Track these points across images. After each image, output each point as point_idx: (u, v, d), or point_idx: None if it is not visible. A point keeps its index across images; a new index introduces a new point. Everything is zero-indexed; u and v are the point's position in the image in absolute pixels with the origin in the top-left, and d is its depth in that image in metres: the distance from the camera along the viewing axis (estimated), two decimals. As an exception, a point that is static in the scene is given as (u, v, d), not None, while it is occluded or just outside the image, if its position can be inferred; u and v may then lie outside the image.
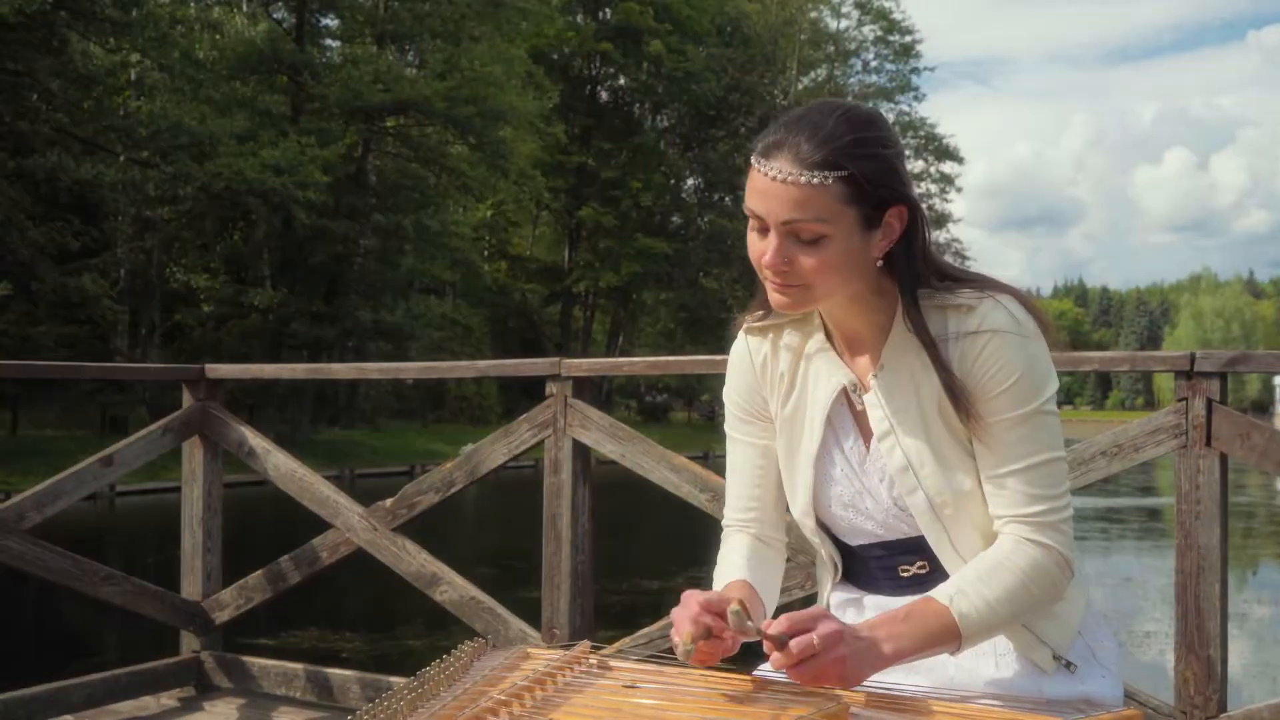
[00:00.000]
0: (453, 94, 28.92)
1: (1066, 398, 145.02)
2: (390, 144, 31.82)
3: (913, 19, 54.30)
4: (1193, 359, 2.75)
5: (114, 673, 3.96)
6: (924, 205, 1.54)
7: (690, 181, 48.61)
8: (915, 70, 52.76)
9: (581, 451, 3.54)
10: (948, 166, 53.52)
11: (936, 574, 1.54)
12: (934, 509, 1.50)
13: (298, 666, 4.06)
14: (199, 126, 24.87)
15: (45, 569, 3.72)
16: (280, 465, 4.08)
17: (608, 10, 42.96)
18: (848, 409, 1.57)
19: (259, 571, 4.11)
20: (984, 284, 1.51)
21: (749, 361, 1.65)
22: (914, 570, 1.55)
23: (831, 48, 51.79)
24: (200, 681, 4.15)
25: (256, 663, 4.11)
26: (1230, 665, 2.83)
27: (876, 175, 1.44)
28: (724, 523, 1.70)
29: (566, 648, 1.45)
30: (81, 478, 3.85)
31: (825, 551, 1.65)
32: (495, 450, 3.67)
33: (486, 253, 43.48)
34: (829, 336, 1.58)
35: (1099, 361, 2.91)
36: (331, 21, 32.65)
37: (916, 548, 1.54)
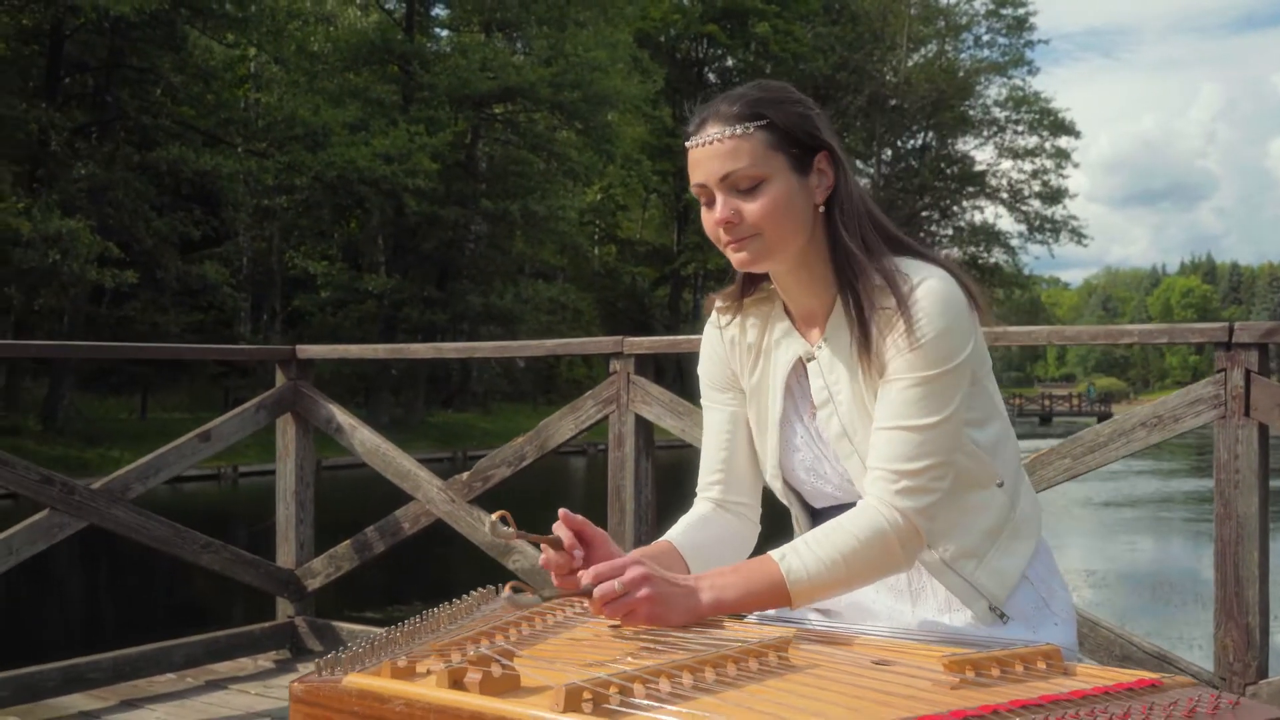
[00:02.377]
0: (558, 80, 29.23)
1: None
2: (498, 131, 32.26)
3: (1027, -9, 52.92)
4: (1230, 330, 2.79)
5: (213, 635, 4.22)
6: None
7: (799, 162, 48.23)
8: (1029, 44, 51.66)
9: (644, 426, 3.69)
10: (1064, 141, 52.31)
11: None
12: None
13: (383, 632, 4.28)
14: (313, 117, 25.55)
15: (148, 537, 3.99)
16: (365, 440, 4.30)
17: (714, -9, 42.90)
18: (806, 379, 1.68)
19: (346, 541, 4.34)
20: (924, 256, 1.59)
21: (719, 338, 1.77)
22: None
23: (942, 22, 50.96)
24: (294, 645, 4.39)
25: (346, 627, 4.34)
26: (1271, 633, 2.86)
27: (794, 121, 1.57)
28: (697, 489, 1.79)
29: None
30: (182, 451, 4.12)
31: (794, 512, 1.76)
32: (563, 425, 3.84)
33: (596, 236, 43.83)
34: (789, 314, 1.69)
35: (1138, 334, 2.96)
36: (441, 11, 33.25)
37: None
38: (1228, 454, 2.81)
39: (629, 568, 1.42)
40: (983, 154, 56.31)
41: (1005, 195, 52.11)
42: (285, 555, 4.47)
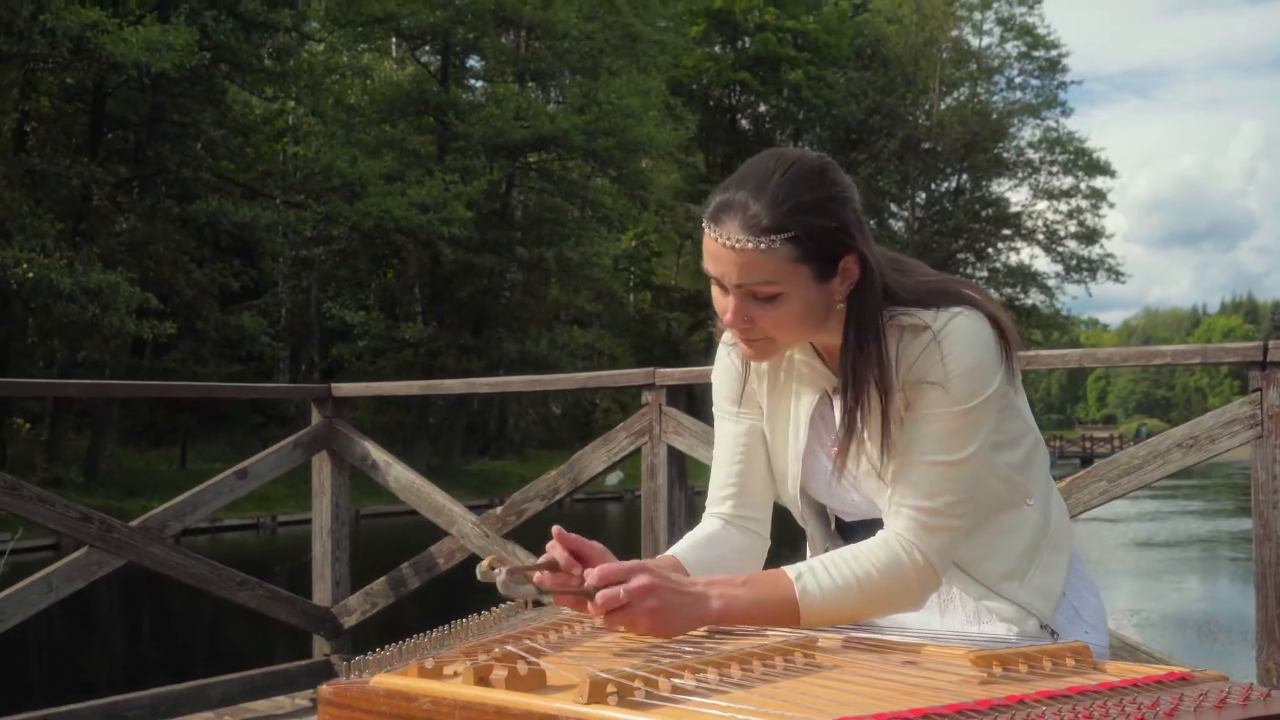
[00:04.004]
0: (591, 127, 29.44)
1: None
2: (533, 179, 32.52)
3: (1058, 33, 53.15)
4: (1265, 349, 2.77)
5: (250, 673, 4.24)
6: (875, 255, 1.55)
7: (832, 206, 48.23)
8: (1061, 85, 51.64)
9: (676, 457, 3.69)
10: (1100, 181, 52.11)
11: None
12: None
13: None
14: (350, 169, 25.86)
15: (186, 574, 4.02)
16: (400, 477, 4.32)
17: (745, 40, 43.19)
18: (831, 408, 1.64)
19: (382, 578, 4.36)
20: (943, 301, 1.54)
21: (734, 358, 1.72)
22: None
23: (974, 65, 51.00)
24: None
25: (382, 664, 4.34)
26: (1315, 656, 2.81)
27: (823, 233, 1.47)
28: (706, 505, 1.75)
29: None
30: (219, 489, 4.16)
31: (812, 531, 1.74)
32: (596, 457, 3.84)
33: (631, 283, 43.97)
34: (813, 344, 1.65)
35: (1171, 355, 2.94)
36: (475, 62, 33.62)
37: None
38: (1265, 474, 2.78)
39: (635, 575, 1.37)
40: (1017, 195, 56.02)
41: (1041, 236, 51.91)
42: (321, 593, 4.49)
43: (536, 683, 1.15)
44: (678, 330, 45.73)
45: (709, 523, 1.72)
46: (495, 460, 34.38)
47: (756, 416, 1.72)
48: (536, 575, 1.44)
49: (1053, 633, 1.60)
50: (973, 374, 1.50)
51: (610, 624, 1.37)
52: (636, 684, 1.10)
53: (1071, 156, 51.24)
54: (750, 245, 1.45)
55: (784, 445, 1.68)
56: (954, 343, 1.50)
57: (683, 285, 47.55)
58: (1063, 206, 51.88)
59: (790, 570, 1.48)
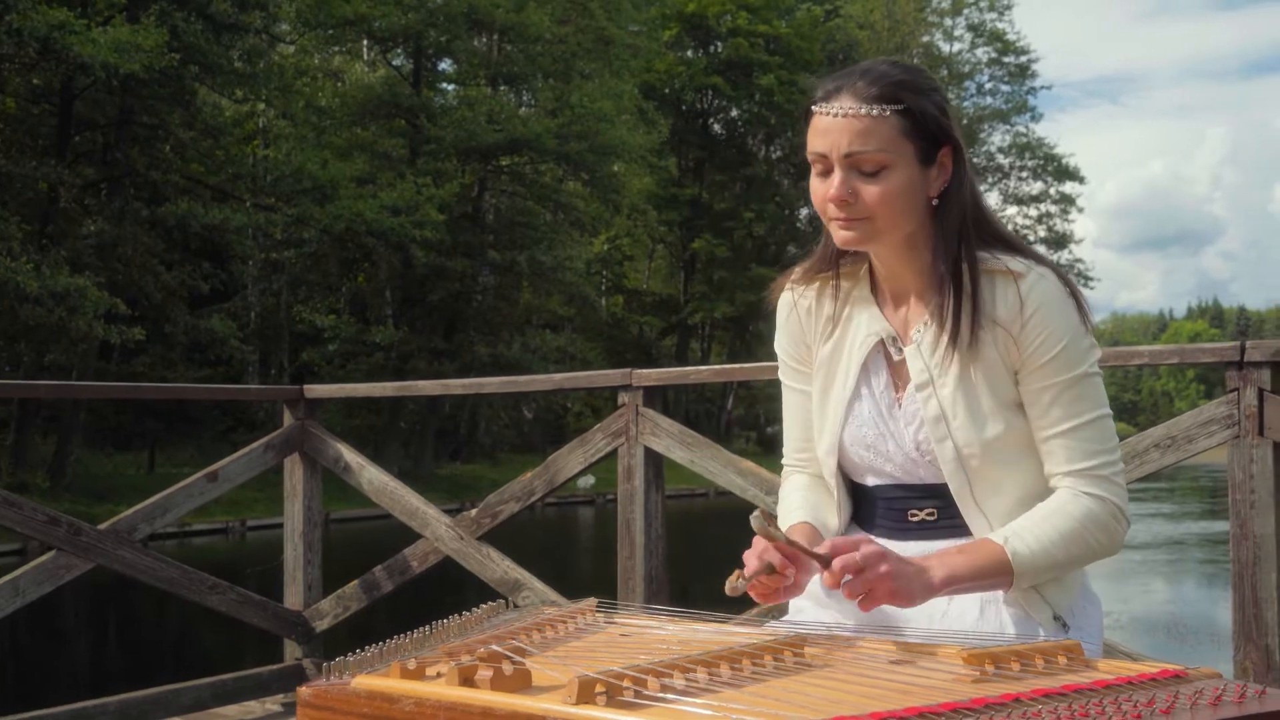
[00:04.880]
0: (564, 131, 29.37)
1: None
2: (505, 182, 32.44)
3: (1028, 39, 53.75)
4: (1242, 349, 2.77)
5: (221, 678, 4.19)
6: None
7: (804, 211, 48.51)
8: (1031, 91, 52.00)
9: (653, 458, 3.66)
10: (1069, 187, 52.55)
11: (945, 520, 1.63)
12: (960, 459, 1.59)
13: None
14: (321, 171, 25.70)
15: (155, 577, 3.97)
16: (373, 479, 4.28)
17: (718, 44, 43.27)
18: (883, 356, 1.67)
19: (354, 582, 4.32)
20: (1028, 253, 1.62)
21: (794, 310, 1.77)
22: (922, 515, 1.65)
23: (945, 71, 51.32)
24: (303, 687, 4.35)
25: (354, 669, 4.29)
26: (1292, 655, 2.81)
27: (929, 111, 1.57)
28: (784, 463, 1.82)
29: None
30: (189, 491, 4.10)
31: (838, 495, 1.74)
32: (572, 458, 3.82)
33: (603, 287, 43.94)
34: (874, 288, 1.69)
35: (1149, 355, 2.94)
36: (447, 65, 33.50)
37: (929, 494, 1.64)
38: (1243, 474, 2.78)
39: (863, 543, 1.43)
40: (987, 200, 56.54)
41: (1011, 241, 52.25)
42: (293, 597, 4.44)
43: (522, 683, 1.13)
44: (649, 334, 45.74)
45: (801, 478, 1.80)
46: (467, 464, 34.28)
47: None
48: (733, 580, 1.49)
49: (1064, 625, 1.60)
50: (1079, 337, 1.58)
51: (848, 593, 1.42)
52: (625, 683, 1.08)
53: (1041, 162, 51.67)
54: (864, 111, 1.54)
55: (829, 392, 1.71)
56: (1052, 311, 1.56)
57: (654, 289, 47.59)
58: (1032, 211, 52.33)
59: (996, 536, 1.54)
